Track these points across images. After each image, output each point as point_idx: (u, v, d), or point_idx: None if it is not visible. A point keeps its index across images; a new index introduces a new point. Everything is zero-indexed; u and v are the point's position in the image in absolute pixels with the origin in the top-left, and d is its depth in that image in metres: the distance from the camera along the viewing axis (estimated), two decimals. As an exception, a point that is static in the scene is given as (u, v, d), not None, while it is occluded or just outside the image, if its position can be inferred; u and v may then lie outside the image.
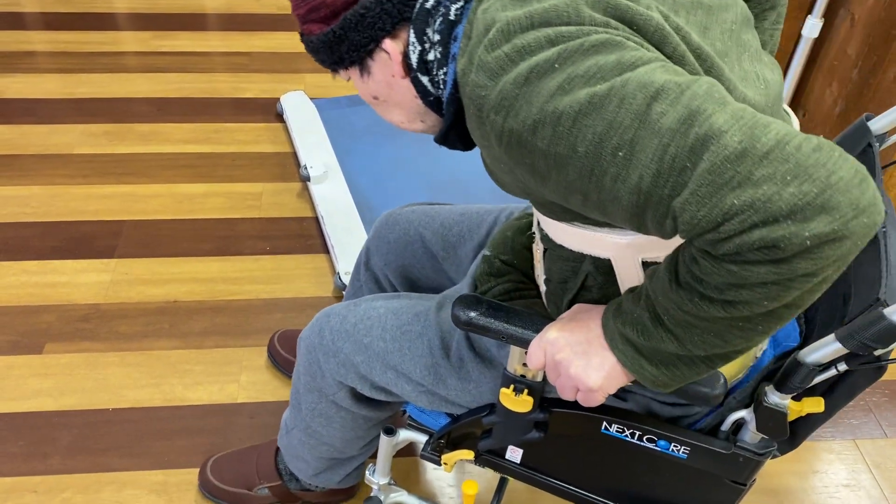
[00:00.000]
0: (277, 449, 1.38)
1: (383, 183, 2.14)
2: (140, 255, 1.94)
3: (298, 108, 2.42)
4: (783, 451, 0.95)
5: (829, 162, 0.56)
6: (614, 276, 0.84)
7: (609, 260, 0.82)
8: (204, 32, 2.96)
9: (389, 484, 1.27)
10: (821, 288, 0.63)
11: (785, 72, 2.24)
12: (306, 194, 2.18)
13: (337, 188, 2.09)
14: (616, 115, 0.61)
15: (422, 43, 0.77)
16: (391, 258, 1.28)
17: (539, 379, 0.89)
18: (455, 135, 0.82)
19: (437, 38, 0.76)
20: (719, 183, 0.57)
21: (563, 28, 0.65)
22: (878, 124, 0.96)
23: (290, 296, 1.86)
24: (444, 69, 0.77)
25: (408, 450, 1.49)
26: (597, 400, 0.79)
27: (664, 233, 0.65)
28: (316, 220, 2.09)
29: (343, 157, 2.21)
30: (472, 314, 0.84)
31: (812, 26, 2.02)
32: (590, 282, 0.86)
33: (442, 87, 0.79)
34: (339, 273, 1.82)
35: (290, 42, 2.92)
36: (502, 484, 1.28)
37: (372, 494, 1.27)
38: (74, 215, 2.05)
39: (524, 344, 0.83)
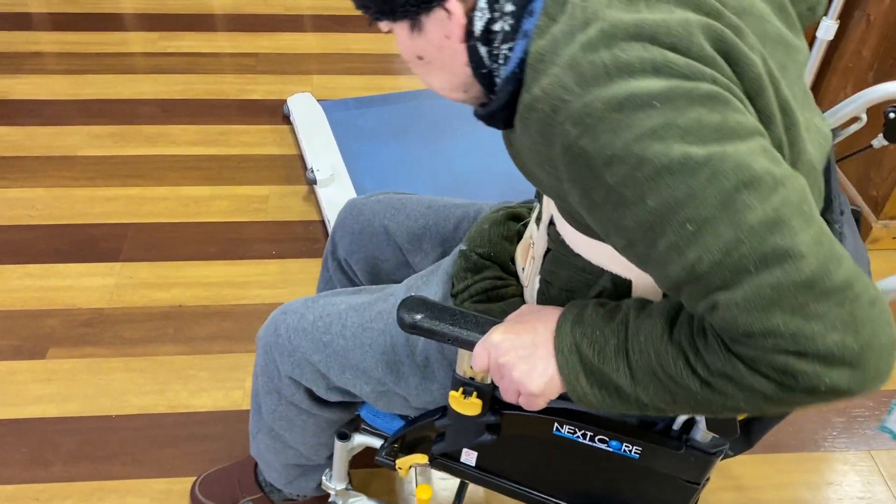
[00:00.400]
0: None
1: (390, 185, 2.11)
2: (145, 258, 1.93)
3: (305, 110, 2.40)
4: (737, 451, 0.94)
5: (877, 323, 0.58)
6: (630, 296, 0.81)
7: (630, 280, 0.79)
8: (211, 33, 2.94)
9: (347, 489, 1.26)
10: (792, 411, 0.66)
11: (798, 74, 2.20)
12: (313, 197, 2.16)
13: (343, 191, 2.07)
14: (702, 188, 0.58)
15: (492, 10, 0.70)
16: (354, 248, 1.24)
17: (488, 381, 0.88)
18: (502, 115, 0.74)
19: (510, 8, 0.69)
20: (776, 301, 0.57)
21: (671, 56, 0.60)
22: (831, 118, 0.96)
23: (295, 300, 1.84)
24: (510, 44, 0.70)
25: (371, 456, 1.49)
26: (538, 404, 0.78)
27: (692, 309, 0.63)
28: (322, 223, 2.07)
29: (350, 159, 2.19)
30: (417, 317, 0.82)
31: (827, 28, 1.99)
32: (603, 298, 0.83)
33: (501, 61, 0.72)
34: (345, 278, 1.80)
35: (298, 43, 2.91)
36: (462, 487, 1.27)
37: (330, 500, 1.26)
38: (79, 218, 2.04)
39: (470, 346, 0.81)
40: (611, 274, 0.80)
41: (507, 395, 0.80)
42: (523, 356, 0.76)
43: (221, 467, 1.42)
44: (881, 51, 1.99)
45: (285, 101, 2.51)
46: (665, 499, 0.96)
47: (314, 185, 2.10)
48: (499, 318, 0.83)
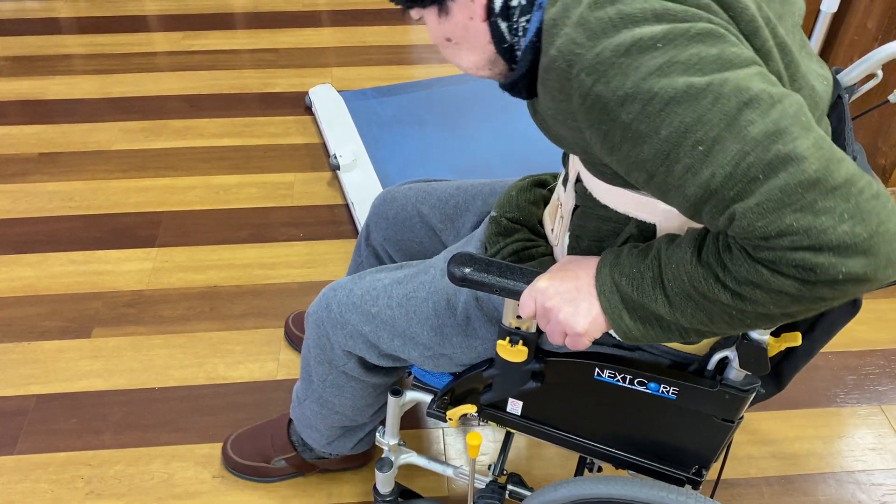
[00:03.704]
0: (289, 422, 1.44)
1: (410, 169, 2.20)
2: (179, 243, 2.02)
3: (326, 100, 2.48)
4: (770, 393, 0.99)
5: (883, 212, 0.63)
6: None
7: (654, 225, 0.85)
8: (232, 31, 3.04)
9: (399, 445, 1.31)
10: (820, 310, 0.69)
11: (805, 48, 2.25)
12: (336, 182, 2.24)
13: (365, 176, 2.15)
14: (707, 111, 0.64)
15: None
16: (390, 234, 1.33)
17: (533, 330, 0.93)
18: (524, 83, 0.82)
19: None
20: (786, 202, 0.63)
21: (670, 4, 0.67)
22: (847, 77, 0.98)
23: (323, 279, 1.92)
24: (528, 16, 0.78)
25: (414, 421, 1.55)
26: (583, 344, 0.84)
27: (714, 226, 0.69)
28: (346, 206, 2.15)
29: (370, 145, 2.27)
30: (467, 270, 0.88)
31: (831, 1, 2.03)
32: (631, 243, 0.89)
33: (521, 34, 0.79)
34: (370, 255, 1.88)
35: (316, 37, 2.99)
36: (507, 440, 1.33)
37: (383, 456, 1.32)
38: (116, 208, 2.14)
39: (516, 296, 0.87)
40: (636, 220, 0.86)
41: (554, 337, 0.85)
42: (567, 299, 0.82)
43: (250, 428, 1.50)
44: (885, 22, 2.03)
45: (306, 92, 2.60)
46: (702, 438, 1.00)
47: (337, 171, 2.18)
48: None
